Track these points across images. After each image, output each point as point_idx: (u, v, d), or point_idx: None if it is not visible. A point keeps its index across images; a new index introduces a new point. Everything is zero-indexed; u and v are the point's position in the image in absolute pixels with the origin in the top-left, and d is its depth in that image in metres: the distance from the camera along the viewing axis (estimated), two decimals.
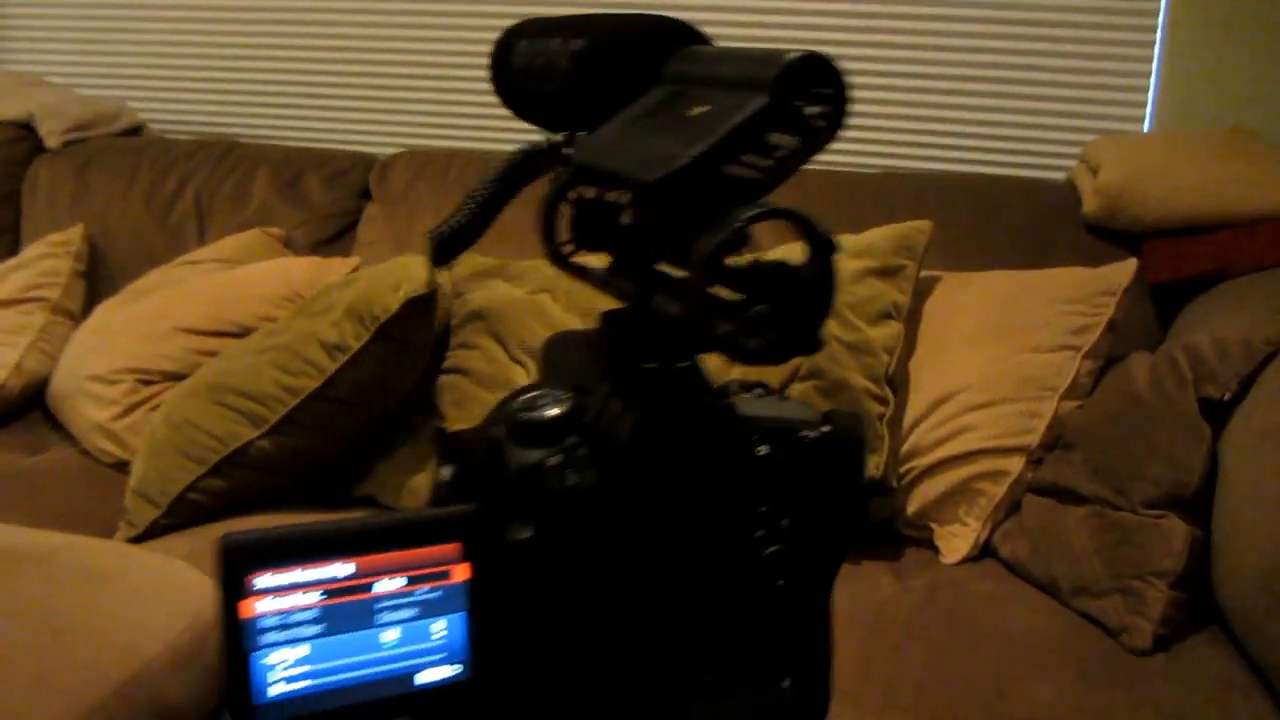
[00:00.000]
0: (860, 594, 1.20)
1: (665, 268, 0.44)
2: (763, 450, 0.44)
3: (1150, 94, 1.72)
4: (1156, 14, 1.69)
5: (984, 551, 1.31)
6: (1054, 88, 1.76)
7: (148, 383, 1.55)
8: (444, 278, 1.37)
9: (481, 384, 1.44)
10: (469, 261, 1.58)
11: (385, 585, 0.41)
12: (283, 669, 0.39)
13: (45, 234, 1.89)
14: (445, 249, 0.46)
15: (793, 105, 0.36)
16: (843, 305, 1.37)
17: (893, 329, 1.38)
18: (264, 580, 0.39)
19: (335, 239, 1.87)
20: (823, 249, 0.37)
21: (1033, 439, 1.29)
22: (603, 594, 0.43)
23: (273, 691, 0.39)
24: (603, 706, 0.44)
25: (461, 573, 0.41)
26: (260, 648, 0.39)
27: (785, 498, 0.44)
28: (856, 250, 1.41)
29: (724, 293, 0.38)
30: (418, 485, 1.39)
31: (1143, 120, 1.74)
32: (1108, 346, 1.34)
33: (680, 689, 0.45)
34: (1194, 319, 1.43)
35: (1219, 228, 1.48)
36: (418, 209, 1.79)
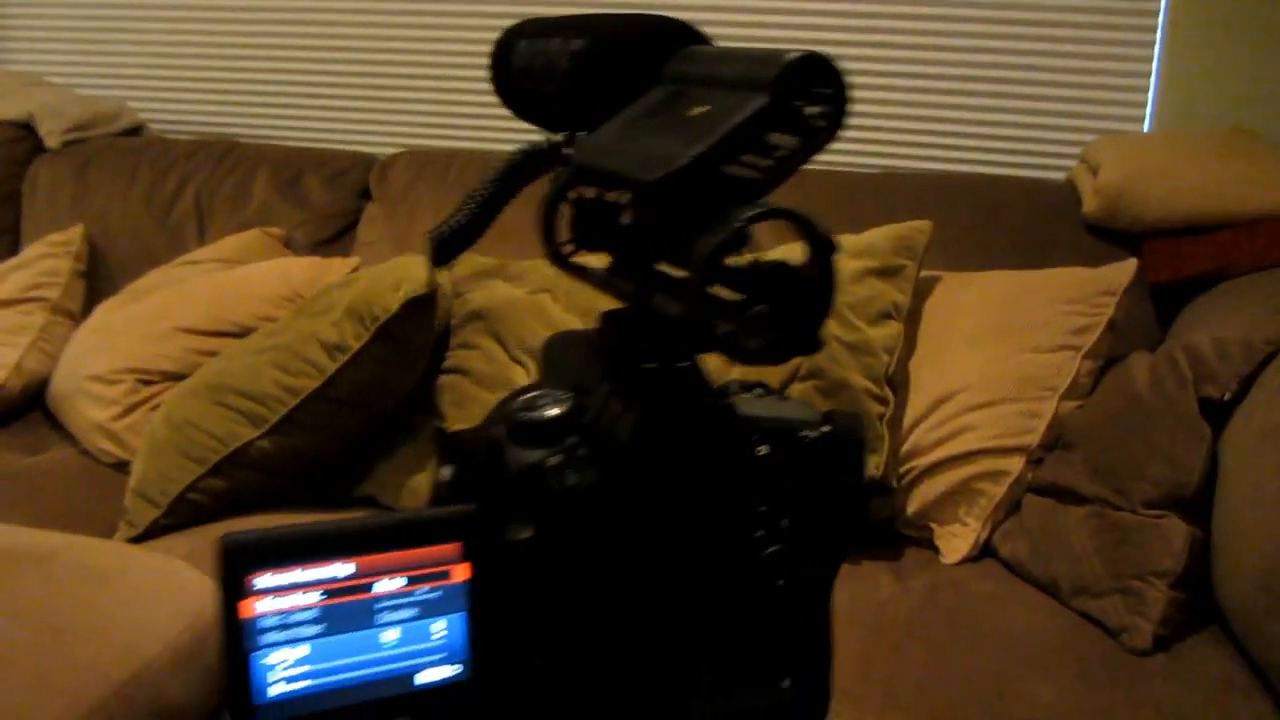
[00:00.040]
0: (860, 594, 1.20)
1: (665, 268, 0.44)
2: (763, 450, 0.44)
3: (1150, 94, 1.72)
4: (1156, 14, 1.69)
5: (984, 551, 1.31)
6: (1054, 87, 1.76)
7: (148, 383, 1.55)
8: (444, 278, 1.37)
9: (481, 384, 1.44)
10: (469, 261, 1.58)
11: (385, 585, 0.41)
12: (283, 669, 0.39)
13: (45, 234, 1.89)
14: (445, 249, 0.46)
15: (793, 105, 0.36)
16: (843, 305, 1.37)
17: (893, 329, 1.38)
18: (264, 580, 0.39)
19: (335, 239, 1.87)
20: (823, 249, 0.37)
21: (1033, 439, 1.29)
22: (603, 594, 0.43)
23: (273, 691, 0.39)
24: (603, 706, 0.44)
25: (461, 573, 0.41)
26: (260, 648, 0.39)
27: (785, 498, 0.44)
28: (856, 250, 1.41)
29: (724, 293, 0.38)
30: (418, 485, 1.39)
31: (1143, 120, 1.74)
32: (1108, 346, 1.34)
33: (680, 689, 0.45)
34: (1194, 319, 1.43)
35: (1219, 228, 1.48)
36: (418, 209, 1.79)
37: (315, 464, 1.38)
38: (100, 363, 1.57)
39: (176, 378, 1.52)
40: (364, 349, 1.31)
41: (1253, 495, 1.07)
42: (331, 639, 0.40)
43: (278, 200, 1.89)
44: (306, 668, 0.40)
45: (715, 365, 0.44)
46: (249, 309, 1.58)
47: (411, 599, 0.41)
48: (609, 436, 0.42)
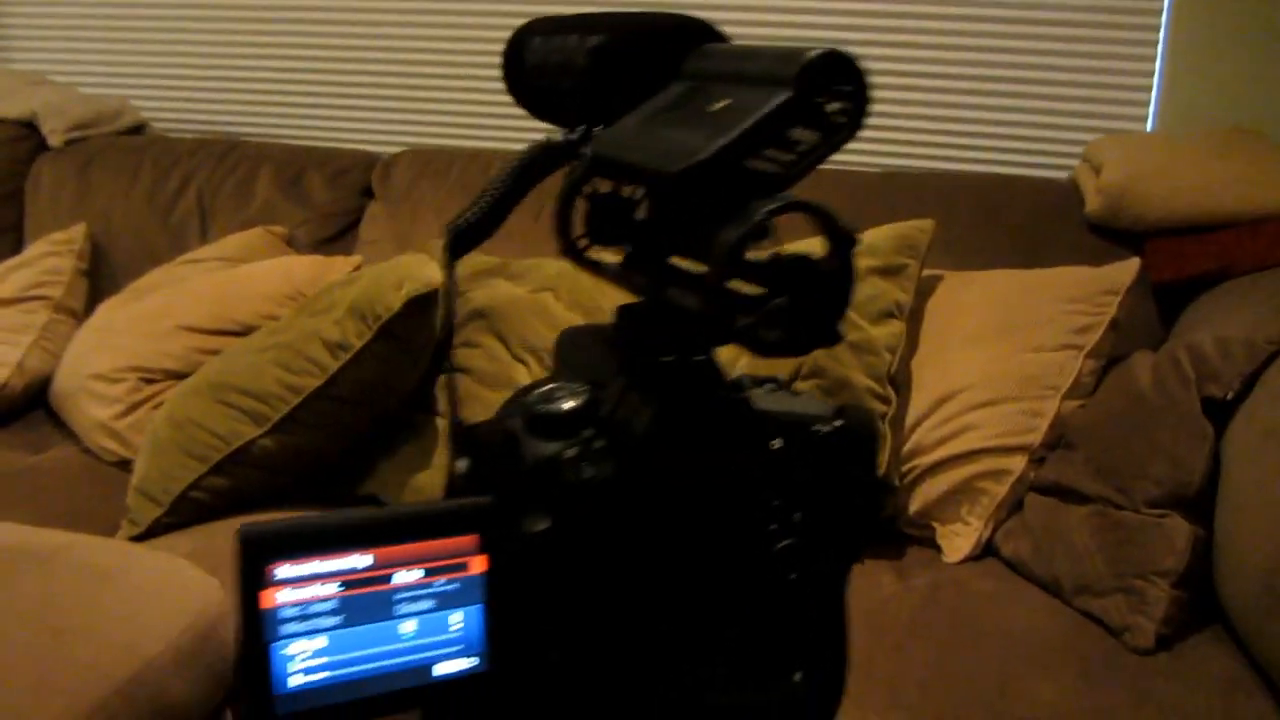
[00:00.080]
0: (862, 593, 1.20)
1: (680, 262, 0.44)
2: (776, 444, 0.44)
3: (1153, 93, 1.72)
4: (1160, 13, 1.68)
5: (986, 550, 1.31)
6: (1057, 87, 1.76)
7: (150, 381, 1.55)
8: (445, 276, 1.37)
9: (483, 382, 1.44)
10: (471, 261, 1.58)
11: (403, 577, 0.41)
12: (301, 660, 0.39)
13: (48, 232, 1.90)
14: (461, 242, 0.46)
15: (815, 101, 0.37)
16: None
17: (895, 328, 1.38)
18: (284, 571, 0.39)
19: (337, 237, 1.87)
20: (843, 242, 0.37)
21: (1035, 438, 1.29)
22: (618, 587, 0.43)
23: (292, 683, 0.39)
24: (617, 699, 0.44)
25: (479, 564, 0.41)
26: (280, 638, 0.39)
27: (798, 491, 0.44)
28: (858, 249, 1.41)
29: (742, 286, 0.38)
30: (420, 483, 1.39)
31: (1145, 120, 1.73)
32: (1110, 346, 1.34)
33: (694, 682, 0.45)
34: (1197, 318, 1.43)
35: (1222, 227, 1.48)
36: (420, 208, 1.79)
37: (317, 462, 1.38)
38: (102, 361, 1.58)
39: (179, 376, 1.52)
40: (366, 347, 1.31)
41: (1256, 495, 1.07)
42: (350, 630, 0.40)
43: (280, 199, 1.89)
44: (324, 659, 0.40)
45: (723, 359, 0.44)
46: (251, 307, 1.58)
47: (429, 591, 0.41)
48: (626, 429, 0.42)
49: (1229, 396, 1.14)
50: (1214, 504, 1.13)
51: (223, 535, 1.27)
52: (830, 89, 0.37)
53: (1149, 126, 1.73)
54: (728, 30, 0.47)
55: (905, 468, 1.34)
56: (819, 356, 1.35)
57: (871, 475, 0.46)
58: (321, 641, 0.40)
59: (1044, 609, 1.17)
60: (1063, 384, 1.30)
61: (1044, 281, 1.41)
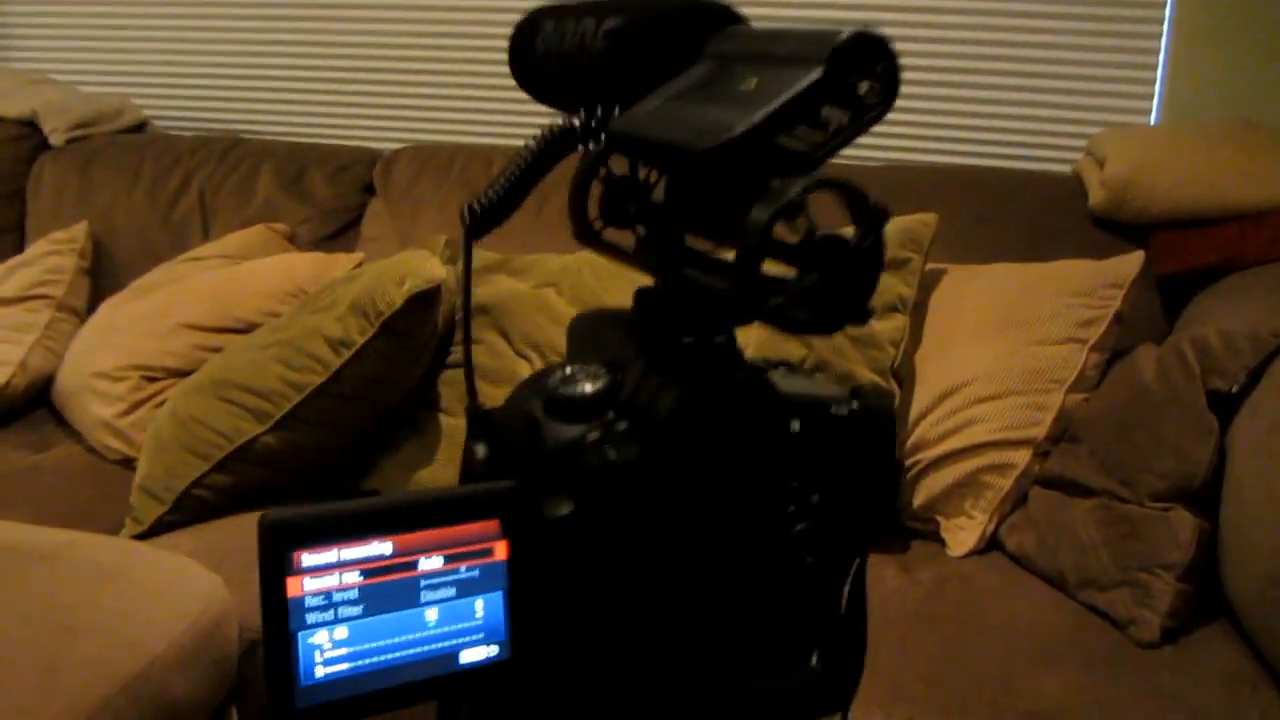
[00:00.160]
0: (867, 586, 1.20)
1: (697, 243, 0.43)
2: (795, 426, 0.44)
3: (1157, 86, 1.71)
4: (1163, 5, 1.68)
5: (990, 544, 1.31)
6: (1060, 80, 1.75)
7: (152, 379, 1.55)
8: (448, 272, 1.37)
9: (486, 378, 1.44)
10: (474, 256, 1.58)
11: (425, 564, 0.40)
12: (326, 649, 0.39)
13: (49, 231, 1.89)
14: (479, 224, 0.46)
15: (846, 80, 0.37)
16: None
17: (898, 322, 1.38)
18: (309, 558, 0.38)
19: (339, 234, 1.87)
20: (876, 219, 0.37)
21: (1039, 431, 1.28)
22: (638, 570, 0.43)
23: (317, 673, 0.39)
24: (637, 683, 0.44)
25: (501, 550, 0.41)
26: (306, 627, 0.39)
27: (816, 474, 0.44)
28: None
29: (768, 264, 0.38)
30: (423, 479, 1.39)
31: (1149, 112, 1.73)
32: (1114, 339, 1.33)
33: (713, 666, 0.45)
34: (1201, 311, 1.43)
35: (1226, 220, 1.47)
36: (421, 204, 1.79)
37: (320, 459, 1.38)
38: (105, 360, 1.58)
39: (181, 374, 1.52)
40: (368, 344, 1.31)
41: (1261, 488, 1.06)
42: (372, 619, 0.40)
43: (282, 196, 1.88)
44: (346, 650, 0.39)
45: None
46: (253, 305, 1.58)
47: (451, 578, 0.41)
48: (649, 411, 0.42)
49: (1234, 390, 1.13)
50: (1219, 497, 1.12)
51: (226, 533, 1.27)
52: (862, 69, 0.37)
53: (1153, 119, 1.73)
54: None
55: (909, 462, 1.34)
56: (822, 350, 1.35)
57: (889, 457, 0.46)
58: (343, 632, 0.39)
59: (1048, 603, 1.17)
60: (1067, 377, 1.30)
61: (1048, 275, 1.40)
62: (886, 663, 1.05)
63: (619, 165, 0.46)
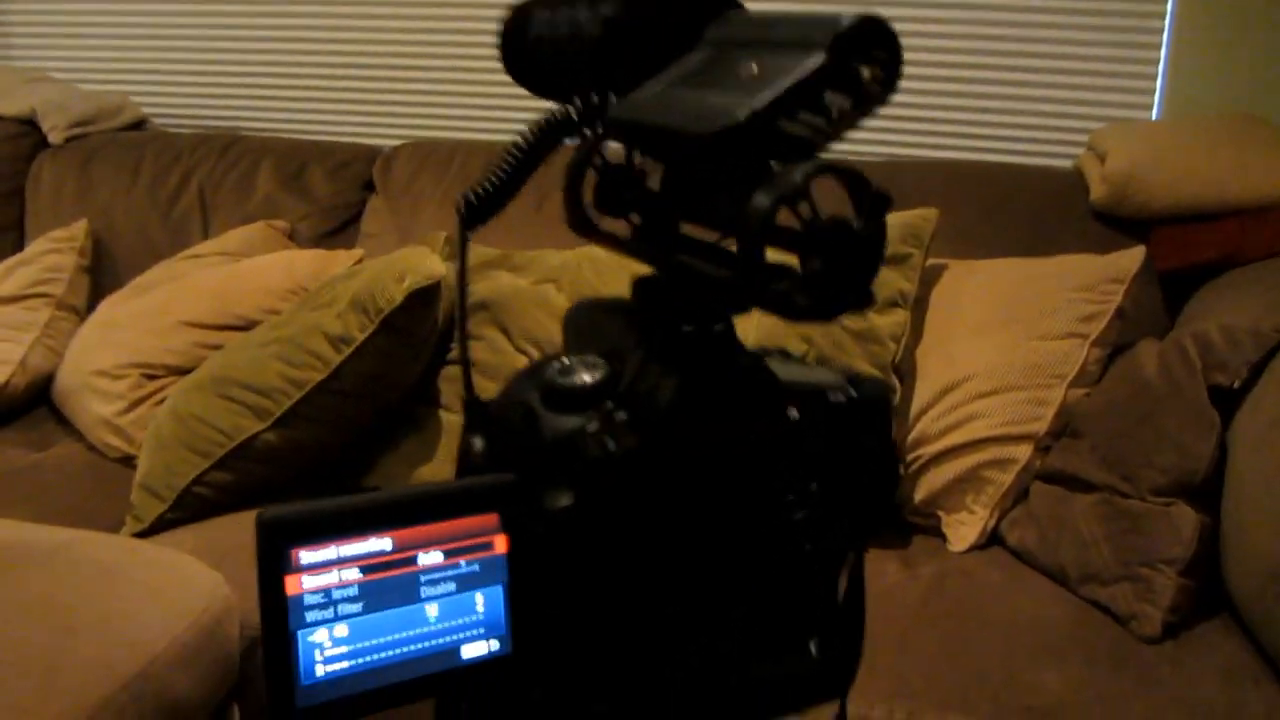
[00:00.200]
0: (868, 582, 1.20)
1: (694, 231, 0.43)
2: (793, 413, 0.43)
3: (1159, 81, 1.71)
4: (1165, 0, 1.67)
5: (992, 539, 1.30)
6: (1061, 74, 1.75)
7: (153, 377, 1.55)
8: (448, 269, 1.37)
9: (486, 375, 1.44)
10: (473, 253, 1.58)
11: (425, 559, 0.40)
12: (326, 647, 0.39)
13: (49, 230, 1.89)
14: (476, 214, 0.45)
15: (849, 65, 0.37)
16: None
17: (899, 317, 1.37)
18: (307, 555, 0.38)
19: (339, 231, 1.86)
20: (878, 204, 0.37)
21: (1041, 427, 1.28)
22: (637, 561, 0.42)
23: (318, 671, 0.38)
24: (636, 672, 0.44)
25: (501, 544, 0.41)
26: (306, 625, 0.38)
27: (814, 461, 0.44)
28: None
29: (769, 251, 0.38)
30: (423, 476, 1.39)
31: (1151, 107, 1.72)
32: (1116, 334, 1.33)
33: (711, 653, 0.45)
34: (1203, 306, 1.42)
35: (1228, 215, 1.47)
36: (421, 200, 1.79)
37: (320, 456, 1.38)
38: (105, 358, 1.57)
39: (181, 372, 1.52)
40: (368, 341, 1.30)
41: (1262, 483, 1.06)
42: (372, 616, 0.39)
43: (281, 193, 1.88)
44: (346, 647, 0.39)
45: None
46: (253, 302, 1.58)
47: (451, 573, 0.40)
48: (649, 401, 0.42)
49: (1235, 385, 1.13)
50: (1220, 492, 1.12)
51: (227, 530, 1.27)
52: (865, 54, 0.37)
53: (1154, 114, 1.72)
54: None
55: (910, 457, 1.34)
56: (823, 345, 1.35)
57: (886, 443, 0.46)
58: (343, 630, 0.39)
59: (1050, 598, 1.17)
60: (1068, 372, 1.30)
61: (1049, 270, 1.40)
62: (888, 658, 1.05)
63: (614, 153, 0.45)
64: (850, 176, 0.36)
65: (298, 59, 2.14)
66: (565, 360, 0.44)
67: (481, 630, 0.41)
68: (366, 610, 0.39)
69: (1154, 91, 1.72)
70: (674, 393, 0.41)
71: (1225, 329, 1.16)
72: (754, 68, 0.38)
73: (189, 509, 1.31)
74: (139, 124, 2.15)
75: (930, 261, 1.44)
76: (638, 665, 0.44)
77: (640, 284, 0.45)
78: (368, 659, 0.39)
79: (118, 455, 1.53)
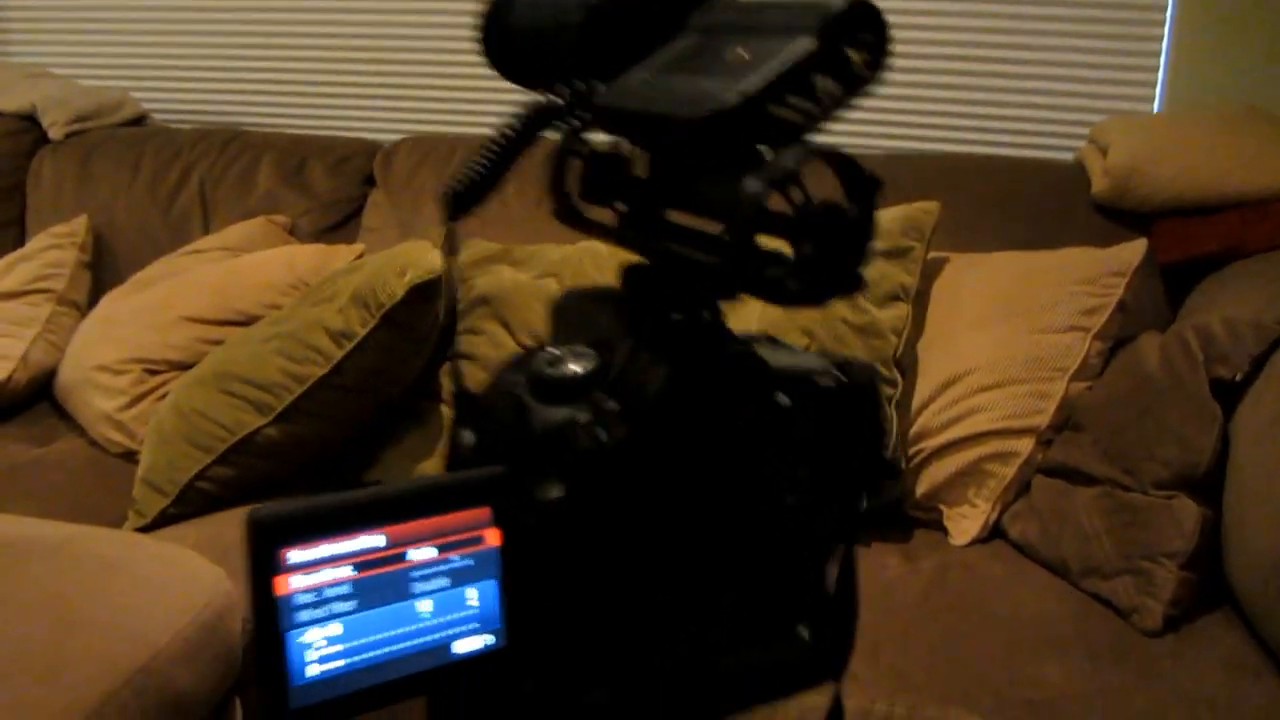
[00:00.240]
0: (869, 575, 1.20)
1: (680, 218, 0.43)
2: (783, 399, 0.43)
3: (1160, 74, 1.70)
4: None
5: (993, 533, 1.30)
6: (1063, 67, 1.75)
7: (154, 372, 1.55)
8: (447, 263, 1.37)
9: (488, 369, 1.44)
10: (474, 247, 1.58)
11: (416, 555, 0.39)
12: (319, 647, 0.38)
13: (50, 225, 1.89)
14: (459, 204, 0.45)
15: (838, 49, 0.37)
16: None
17: (900, 311, 1.37)
18: (297, 555, 0.37)
19: (340, 226, 1.86)
20: (868, 188, 0.37)
21: (1042, 420, 1.28)
22: (628, 550, 0.42)
23: (310, 672, 0.38)
24: (627, 659, 0.44)
25: (493, 537, 0.41)
26: (296, 626, 0.38)
27: (803, 447, 0.44)
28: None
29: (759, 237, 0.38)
30: (425, 471, 1.39)
31: (1153, 100, 1.72)
32: (1117, 327, 1.33)
33: (702, 639, 0.45)
34: (1205, 299, 1.42)
35: (1229, 208, 1.47)
36: (422, 195, 1.79)
37: (322, 451, 1.38)
38: (106, 353, 1.57)
39: (183, 367, 1.52)
40: (370, 335, 1.30)
41: (1264, 476, 1.06)
42: (365, 614, 0.39)
43: (282, 188, 1.88)
44: (340, 646, 0.39)
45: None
46: (254, 297, 1.58)
47: (444, 568, 0.40)
48: (639, 390, 0.41)
49: (1237, 378, 1.13)
50: (1222, 485, 1.12)
51: (229, 525, 1.27)
52: (854, 38, 0.37)
53: (1156, 107, 1.72)
54: None
55: (912, 450, 1.34)
56: (824, 338, 1.35)
57: (875, 428, 0.46)
58: (336, 628, 0.38)
59: (1052, 591, 1.17)
60: (1070, 366, 1.30)
61: (1050, 263, 1.40)
62: (889, 651, 1.05)
63: (599, 141, 0.45)
64: (841, 160, 0.36)
65: (298, 54, 2.14)
66: (554, 350, 0.44)
67: (475, 625, 0.41)
68: (359, 608, 0.39)
69: (1155, 84, 1.71)
70: (664, 381, 0.41)
71: (1227, 322, 1.16)
72: (742, 53, 0.38)
73: (191, 504, 1.31)
74: (139, 120, 2.15)
75: (931, 255, 1.44)
76: (629, 653, 0.44)
77: (628, 272, 0.45)
78: (361, 657, 0.39)
79: (120, 450, 1.53)
